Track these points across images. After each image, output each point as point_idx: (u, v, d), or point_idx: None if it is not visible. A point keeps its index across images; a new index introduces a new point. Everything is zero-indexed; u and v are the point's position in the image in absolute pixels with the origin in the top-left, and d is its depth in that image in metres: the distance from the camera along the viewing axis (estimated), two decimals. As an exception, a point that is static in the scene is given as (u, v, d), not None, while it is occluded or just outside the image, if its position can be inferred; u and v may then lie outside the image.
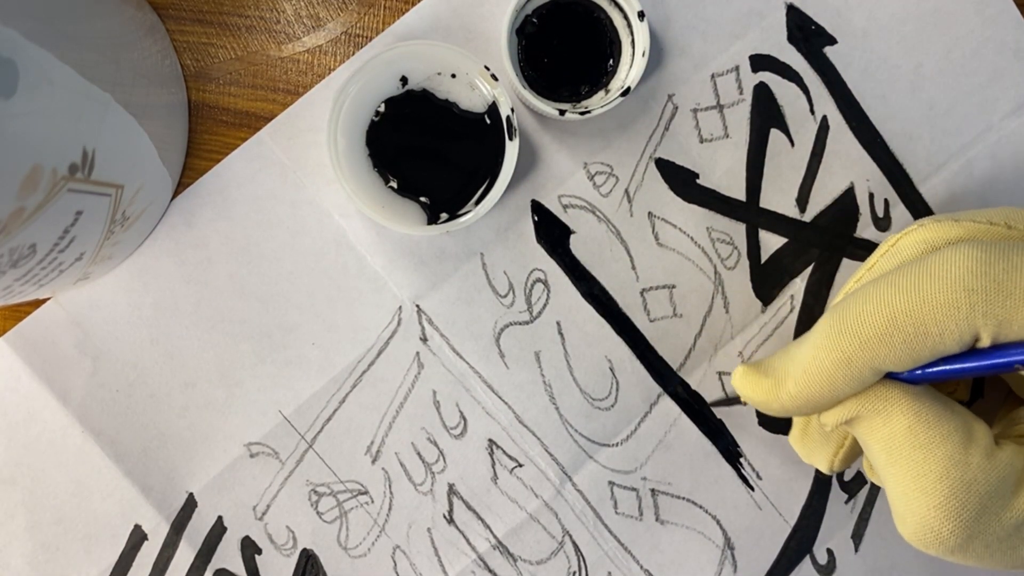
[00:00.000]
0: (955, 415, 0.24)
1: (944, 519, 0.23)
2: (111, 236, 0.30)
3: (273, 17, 0.35)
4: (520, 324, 0.36)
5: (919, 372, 0.25)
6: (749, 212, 0.36)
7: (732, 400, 0.35)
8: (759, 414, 0.37)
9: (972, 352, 0.24)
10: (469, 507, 0.36)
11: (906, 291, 0.24)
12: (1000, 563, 0.24)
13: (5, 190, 0.23)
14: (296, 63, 0.35)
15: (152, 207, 0.33)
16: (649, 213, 0.36)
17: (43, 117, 0.24)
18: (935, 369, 0.24)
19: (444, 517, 0.36)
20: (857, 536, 0.37)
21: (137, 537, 0.35)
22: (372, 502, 0.36)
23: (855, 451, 0.29)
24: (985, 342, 0.23)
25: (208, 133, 0.35)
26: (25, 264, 0.26)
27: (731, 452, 0.37)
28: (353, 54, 0.35)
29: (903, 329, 0.23)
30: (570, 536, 0.36)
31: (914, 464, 0.24)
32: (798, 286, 0.36)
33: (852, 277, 0.30)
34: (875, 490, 0.37)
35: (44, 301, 0.35)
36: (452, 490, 0.36)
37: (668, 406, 0.36)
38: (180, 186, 0.35)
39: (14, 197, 0.23)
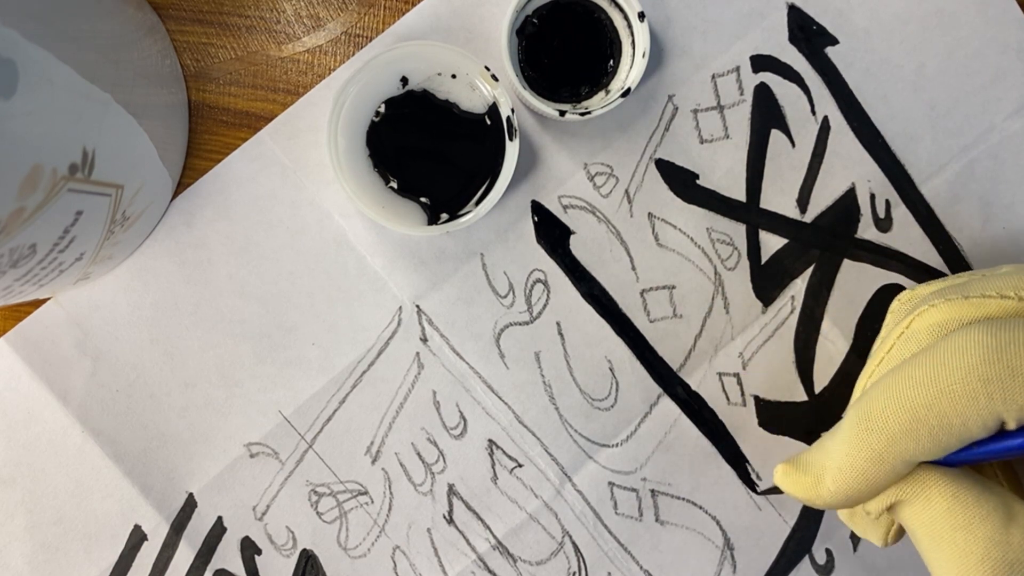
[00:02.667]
0: (993, 495, 0.25)
1: None
2: (111, 236, 0.30)
3: (273, 17, 0.35)
4: (520, 324, 0.36)
5: (954, 459, 0.25)
6: (749, 213, 0.36)
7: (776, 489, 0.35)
8: (759, 414, 0.37)
9: (1000, 435, 0.24)
10: (469, 507, 0.36)
11: (924, 385, 0.24)
12: None
13: (5, 190, 0.23)
14: (296, 63, 0.35)
15: (152, 207, 0.33)
16: (649, 214, 0.36)
17: (43, 117, 0.24)
18: (966, 453, 0.25)
19: (444, 517, 0.36)
20: (855, 536, 0.37)
21: (137, 537, 0.35)
22: (372, 502, 0.36)
23: (904, 528, 0.30)
24: (1011, 425, 0.23)
25: (208, 133, 0.35)
26: (25, 264, 0.26)
27: (731, 453, 0.37)
28: (353, 54, 0.35)
29: (926, 423, 0.24)
30: (570, 536, 0.36)
31: (955, 546, 0.24)
32: (799, 287, 0.36)
33: (869, 361, 0.31)
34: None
35: (44, 301, 0.35)
36: (452, 490, 0.36)
37: (668, 407, 0.36)
38: (180, 186, 0.35)
39: (14, 197, 0.23)
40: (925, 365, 0.25)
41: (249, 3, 0.35)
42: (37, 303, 0.35)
